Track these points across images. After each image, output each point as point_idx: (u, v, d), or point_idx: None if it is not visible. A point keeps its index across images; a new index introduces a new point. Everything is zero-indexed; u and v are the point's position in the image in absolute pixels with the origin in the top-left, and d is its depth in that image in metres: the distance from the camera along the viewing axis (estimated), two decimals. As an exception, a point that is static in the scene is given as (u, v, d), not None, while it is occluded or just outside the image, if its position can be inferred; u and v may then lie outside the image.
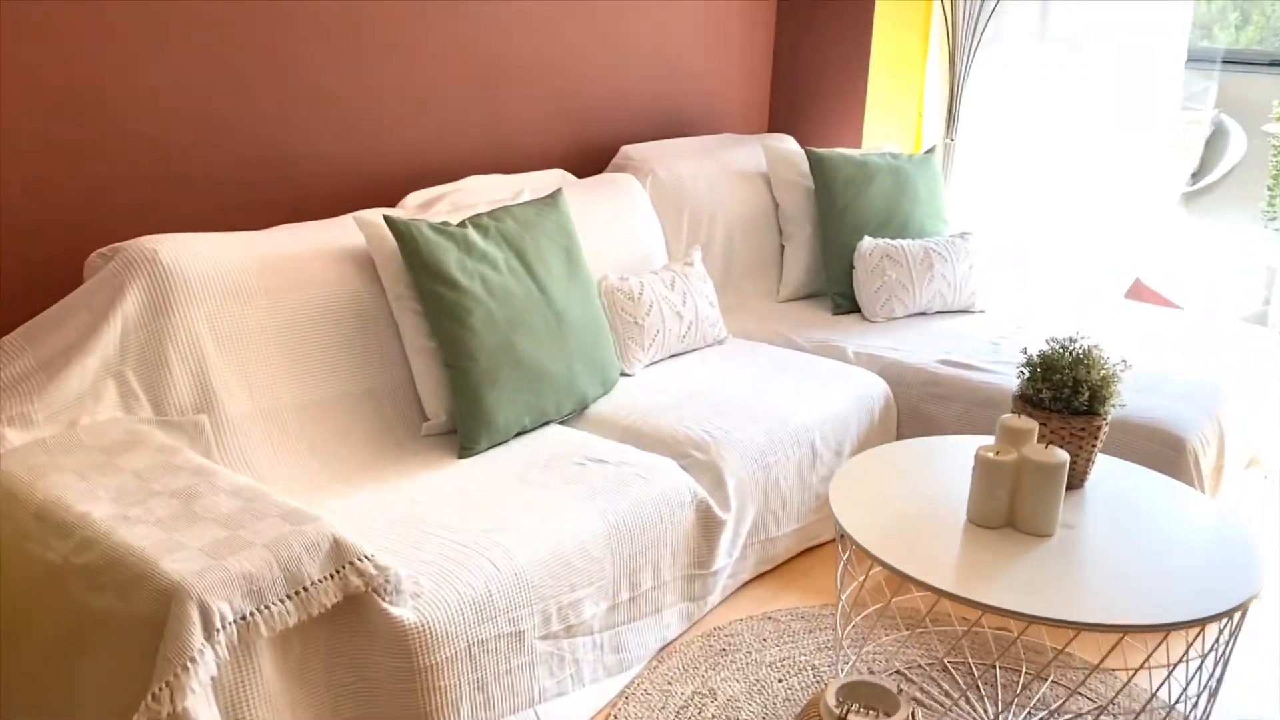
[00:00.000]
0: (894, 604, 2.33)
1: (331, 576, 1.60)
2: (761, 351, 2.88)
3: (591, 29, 3.18)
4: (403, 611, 1.65)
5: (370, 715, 1.68)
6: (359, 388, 2.24)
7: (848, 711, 1.54)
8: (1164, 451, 2.41)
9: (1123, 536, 1.77)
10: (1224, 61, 4.68)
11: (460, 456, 2.20)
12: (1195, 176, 4.61)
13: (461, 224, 2.29)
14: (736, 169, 3.41)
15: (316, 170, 2.55)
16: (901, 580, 1.64)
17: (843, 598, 1.91)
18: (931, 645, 2.23)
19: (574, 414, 2.45)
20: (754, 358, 2.82)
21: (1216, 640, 1.66)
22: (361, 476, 2.11)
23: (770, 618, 2.31)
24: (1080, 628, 1.50)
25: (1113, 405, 1.85)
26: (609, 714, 1.99)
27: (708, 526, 2.23)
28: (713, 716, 1.98)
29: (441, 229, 2.23)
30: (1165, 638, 1.60)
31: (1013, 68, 3.88)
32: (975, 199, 3.94)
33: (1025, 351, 1.95)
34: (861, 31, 3.74)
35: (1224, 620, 1.59)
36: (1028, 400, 1.89)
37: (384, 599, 1.64)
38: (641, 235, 2.96)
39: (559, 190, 2.54)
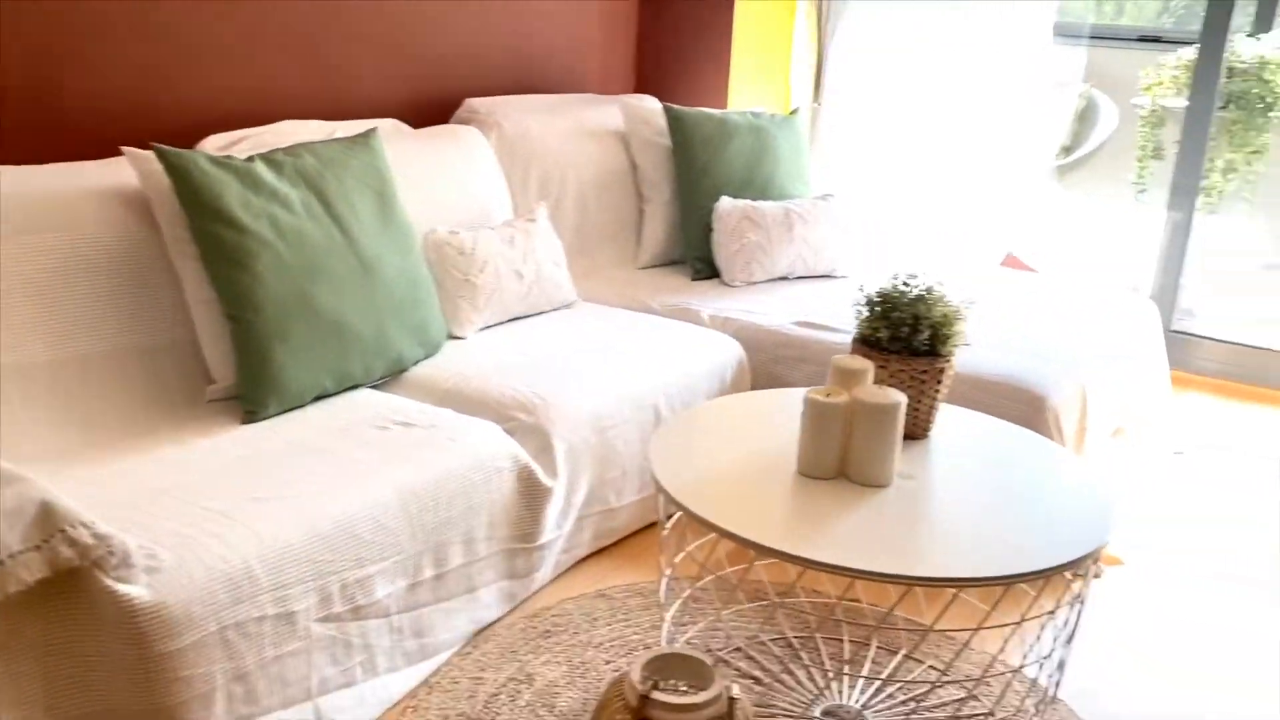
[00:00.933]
0: (737, 578, 2.14)
1: (36, 548, 1.33)
2: (611, 316, 2.67)
3: (428, -30, 2.93)
4: (133, 589, 1.39)
5: (99, 713, 1.41)
6: (129, 345, 1.96)
7: (653, 688, 1.34)
8: (1023, 410, 2.28)
9: (966, 488, 1.60)
10: (1092, 37, 4.65)
11: (244, 422, 1.94)
12: (1067, 150, 4.57)
13: (250, 158, 2.02)
14: (591, 127, 3.20)
15: (92, 109, 2.25)
16: (731, 542, 1.44)
17: (666, 572, 1.70)
18: (775, 620, 2.05)
19: (389, 377, 2.21)
20: (602, 322, 2.61)
21: (1071, 599, 1.51)
22: (125, 444, 1.83)
23: (604, 595, 2.09)
24: (910, 583, 1.32)
25: (956, 345, 1.68)
26: (407, 707, 1.75)
27: (532, 496, 2.00)
28: (527, 704, 1.75)
29: (223, 162, 1.96)
30: (1003, 593, 1.44)
31: (882, 36, 3.76)
32: (841, 166, 3.81)
33: (862, 290, 1.77)
34: (724, 10, 3.57)
35: (1074, 582, 1.43)
36: (866, 342, 1.72)
37: (108, 574, 1.38)
38: (480, 189, 2.72)
39: (372, 129, 2.29)
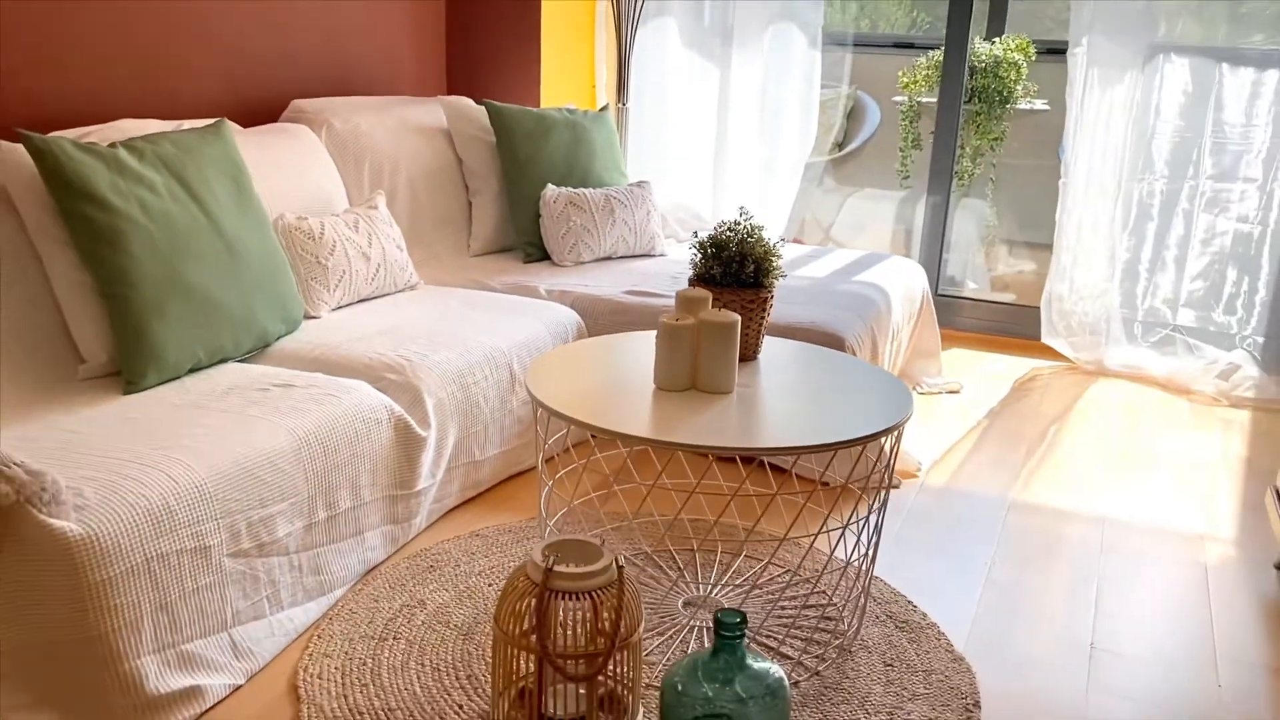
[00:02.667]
0: (599, 506, 2.39)
1: (-28, 487, 1.42)
2: (456, 294, 2.87)
3: (252, -24, 3.05)
4: (65, 524, 1.49)
5: (37, 642, 1.50)
6: (-1, 326, 2.01)
7: (554, 564, 1.57)
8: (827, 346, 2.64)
9: (795, 390, 1.92)
10: (855, 44, 5.21)
11: (126, 393, 2.03)
12: (840, 146, 5.10)
13: (112, 145, 2.12)
14: (416, 124, 3.39)
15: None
16: (598, 437, 1.69)
17: (548, 483, 1.93)
18: (635, 540, 2.31)
19: (255, 352, 2.33)
20: (448, 299, 2.81)
21: (872, 503, 1.84)
22: (10, 418, 1.88)
23: (478, 535, 2.30)
24: (758, 453, 1.62)
25: (776, 277, 2.00)
26: (313, 634, 1.90)
27: (408, 445, 2.18)
28: (423, 623, 1.94)
29: (88, 148, 2.05)
30: (838, 497, 1.75)
31: (677, 40, 4.12)
32: (648, 164, 4.14)
33: (696, 235, 2.07)
34: (530, 3, 3.83)
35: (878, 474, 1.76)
36: (702, 279, 2.02)
37: (41, 510, 1.48)
38: (319, 180, 2.86)
39: (221, 120, 2.42)
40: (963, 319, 4.15)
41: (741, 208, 2.10)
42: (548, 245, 3.26)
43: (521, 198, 3.31)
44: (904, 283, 3.33)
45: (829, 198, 5.12)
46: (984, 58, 4.41)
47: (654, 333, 2.27)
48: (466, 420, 2.38)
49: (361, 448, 2.05)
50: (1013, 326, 4.04)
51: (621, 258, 3.35)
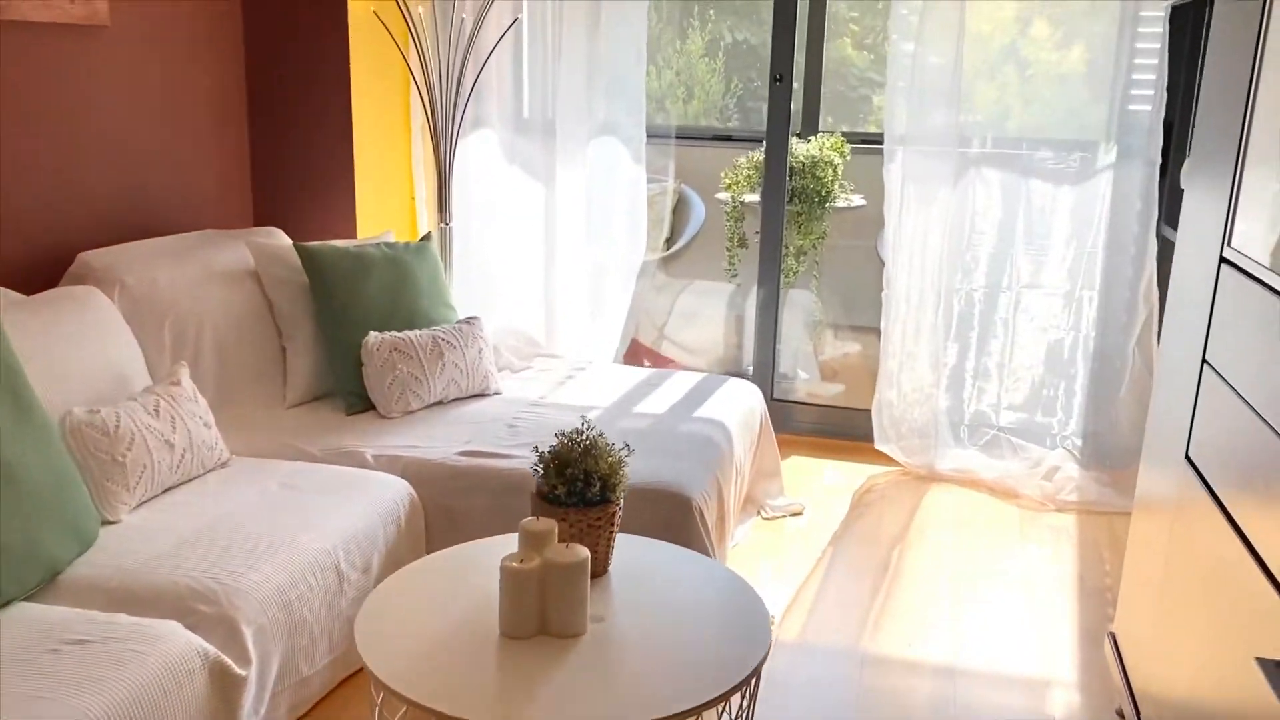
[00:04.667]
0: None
1: None
2: (270, 470, 2.64)
3: (35, 119, 2.76)
4: None
5: None
6: None
7: None
8: (673, 514, 2.57)
9: (647, 621, 1.82)
10: (677, 137, 5.24)
11: (-120, 675, 1.74)
12: (669, 242, 5.10)
13: None
14: (221, 269, 3.14)
15: None
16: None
17: (385, 741, 1.76)
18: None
19: (44, 584, 2.06)
20: (262, 479, 2.58)
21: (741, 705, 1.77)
22: None
23: (311, 770, 2.09)
24: (619, 731, 1.51)
25: (623, 491, 1.91)
26: None
27: (226, 689, 1.96)
28: None
29: None
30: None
31: (499, 154, 4.01)
32: (475, 288, 4.00)
33: (537, 450, 1.96)
34: (340, 120, 3.65)
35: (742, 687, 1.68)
36: (545, 497, 1.90)
37: None
38: (113, 356, 2.59)
39: (-8, 322, 2.14)
40: (799, 423, 4.18)
41: (584, 417, 2.00)
42: (372, 396, 3.07)
43: (341, 345, 3.11)
44: (742, 410, 3.30)
45: (661, 295, 5.10)
46: (802, 158, 4.49)
47: (503, 540, 2.13)
48: (291, 640, 2.17)
49: (172, 708, 1.82)
50: (846, 428, 4.10)
51: (455, 400, 3.19)
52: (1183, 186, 3.56)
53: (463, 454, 2.80)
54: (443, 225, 3.82)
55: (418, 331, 3.16)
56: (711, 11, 5.77)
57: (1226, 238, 1.84)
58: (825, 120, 5.40)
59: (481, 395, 3.25)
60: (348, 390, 3.10)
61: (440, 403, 3.17)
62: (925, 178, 3.65)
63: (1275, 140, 1.67)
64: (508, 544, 1.96)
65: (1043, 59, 3.60)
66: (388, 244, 3.32)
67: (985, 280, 3.74)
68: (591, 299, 4.08)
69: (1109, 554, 3.22)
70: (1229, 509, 1.67)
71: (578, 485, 1.86)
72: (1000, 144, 3.65)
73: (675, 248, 5.06)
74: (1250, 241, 1.72)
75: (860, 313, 5.27)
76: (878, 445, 3.85)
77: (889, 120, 3.66)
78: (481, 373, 3.24)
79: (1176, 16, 3.39)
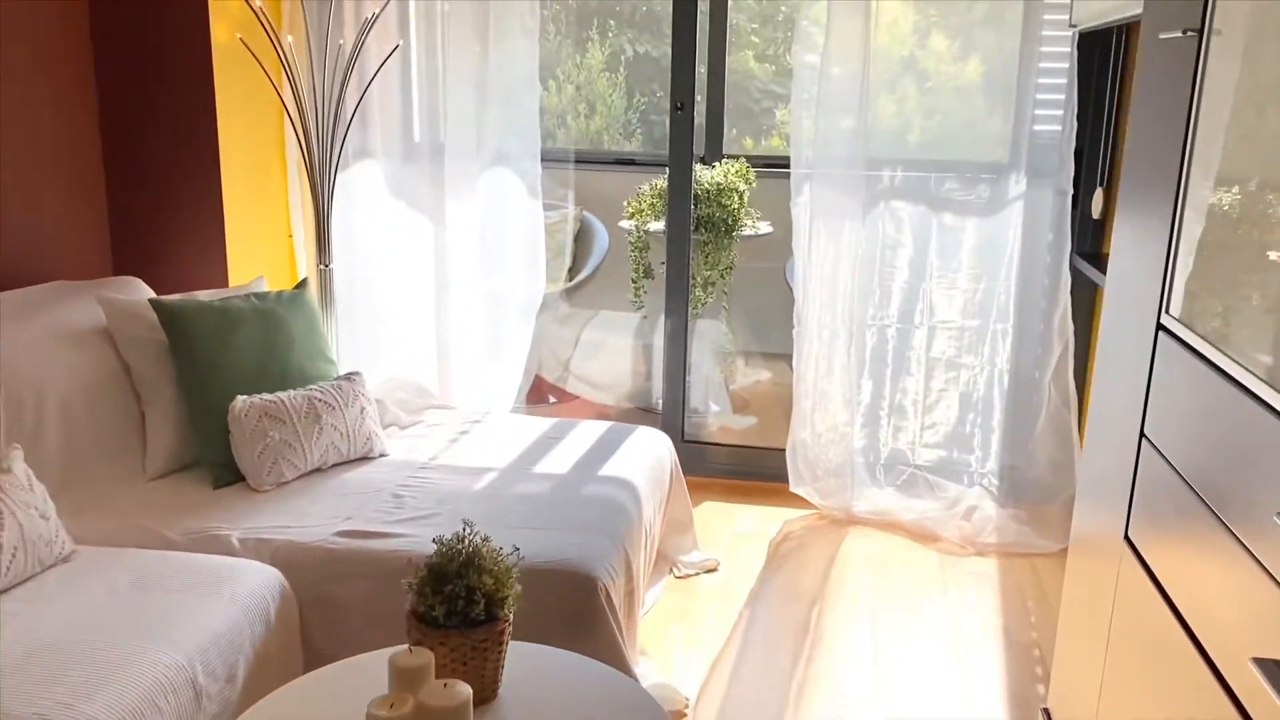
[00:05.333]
0: None
1: None
2: (121, 563, 2.33)
3: None
4: None
5: None
6: None
7: None
8: (577, 597, 2.34)
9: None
10: (578, 161, 5.02)
11: None
12: (571, 273, 4.88)
13: None
14: (70, 330, 2.82)
15: None
16: None
17: None
18: None
19: None
20: (111, 574, 2.28)
21: None
22: None
23: None
24: None
25: (513, 605, 1.68)
26: None
27: None
28: None
29: None
30: None
31: (383, 183, 3.74)
32: (360, 335, 3.72)
33: (412, 563, 1.71)
34: (206, 156, 3.34)
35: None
36: (422, 618, 1.66)
37: None
38: (-72, 444, 2.26)
39: None
40: (712, 464, 3.99)
41: (465, 520, 1.76)
42: (242, 466, 2.78)
43: (206, 410, 2.81)
44: (652, 463, 3.09)
45: (565, 328, 4.87)
46: (707, 185, 4.31)
47: (382, 655, 1.88)
48: (137, 778, 1.88)
49: None
50: (761, 469, 3.92)
51: (335, 466, 2.91)
52: (1094, 216, 3.50)
53: (341, 534, 2.52)
54: (322, 267, 3.53)
55: (292, 392, 2.88)
56: (612, 23, 5.59)
57: (1164, 303, 1.69)
58: (730, 133, 5.26)
59: (365, 459, 2.98)
60: (214, 461, 2.80)
61: (319, 469, 2.89)
62: (834, 211, 3.50)
63: (1217, 190, 1.52)
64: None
65: (942, 70, 3.49)
66: (257, 295, 3.03)
67: (898, 315, 3.60)
68: (489, 340, 3.83)
69: (1033, 603, 3.10)
70: (1171, 597, 1.53)
71: (459, 604, 1.62)
72: (907, 166, 3.52)
73: (578, 278, 4.84)
74: (1197, 315, 1.57)
75: (770, 339, 5.13)
76: (793, 488, 3.68)
77: (795, 134, 3.49)
78: (364, 434, 2.96)
79: (1084, 41, 3.30)
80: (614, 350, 4.90)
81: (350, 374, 3.05)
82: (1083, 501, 2.16)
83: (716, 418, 4.58)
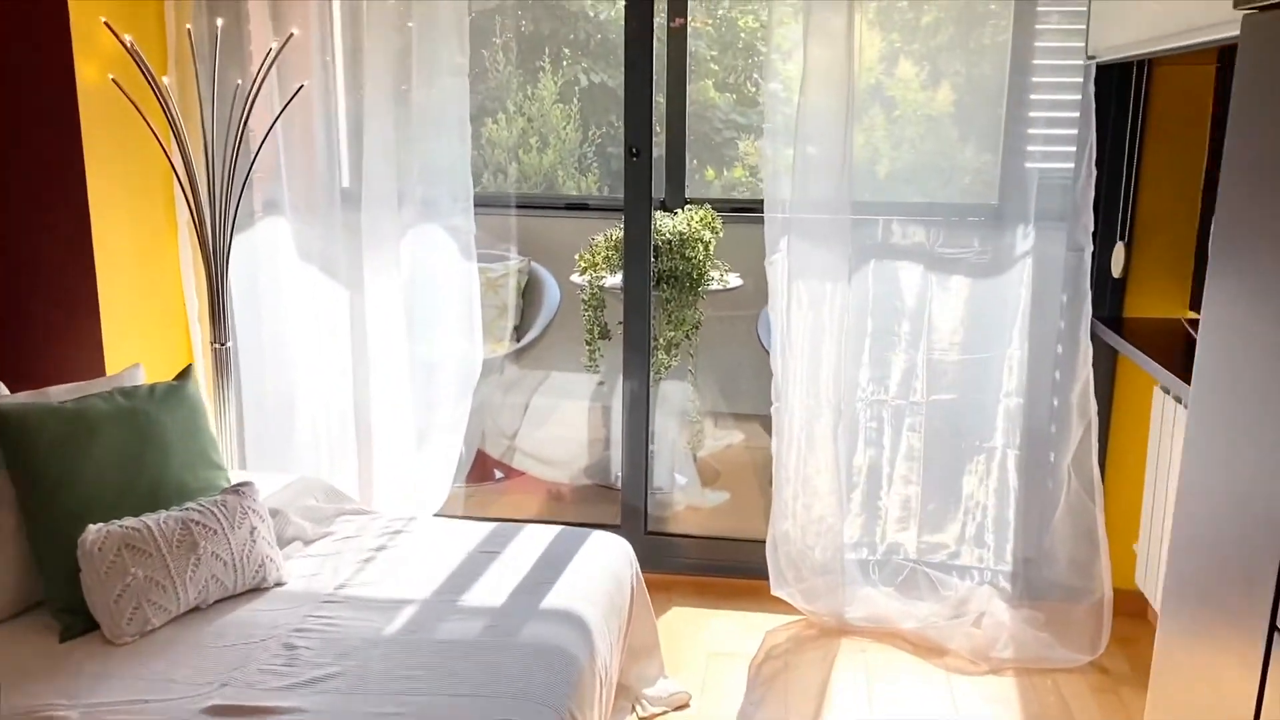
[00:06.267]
0: None
1: None
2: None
3: None
4: None
5: None
6: None
7: None
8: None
9: None
10: (521, 206, 4.54)
11: None
12: (518, 332, 4.36)
13: None
14: (-118, 441, 2.26)
15: None
16: None
17: None
18: None
19: None
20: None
21: None
22: None
23: None
24: None
25: None
26: None
27: None
28: None
29: None
30: None
31: (294, 242, 3.21)
32: (274, 416, 3.19)
33: None
34: (74, 222, 2.81)
35: None
36: None
37: None
38: None
39: None
40: (681, 560, 3.47)
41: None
42: (95, 612, 2.22)
43: (51, 541, 2.27)
44: (608, 582, 2.56)
45: (512, 395, 4.35)
46: (668, 234, 3.82)
47: None
48: None
49: None
50: (737, 564, 3.40)
51: (217, 604, 2.37)
52: (1114, 274, 3.05)
53: (212, 711, 1.98)
54: (218, 346, 3.00)
55: (163, 514, 2.33)
56: (565, 51, 5.13)
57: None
58: (691, 163, 4.80)
59: (257, 590, 2.43)
60: (61, 606, 2.26)
61: (198, 609, 2.34)
62: (816, 270, 3.02)
63: None
64: None
65: (910, 99, 3.05)
66: (124, 391, 2.49)
67: (893, 389, 3.12)
68: (418, 424, 3.30)
69: (1065, 740, 2.61)
70: None
71: None
72: (895, 210, 3.06)
73: (526, 339, 4.32)
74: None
75: (740, 398, 4.64)
76: (774, 590, 3.17)
77: (768, 173, 3.02)
78: (255, 561, 2.42)
79: (1101, 76, 2.85)
80: (567, 419, 4.39)
81: (239, 485, 2.50)
82: (1177, 599, 1.68)
83: (684, 493, 4.07)
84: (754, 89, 4.99)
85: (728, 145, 5.26)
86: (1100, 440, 2.97)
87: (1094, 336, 2.92)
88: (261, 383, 3.21)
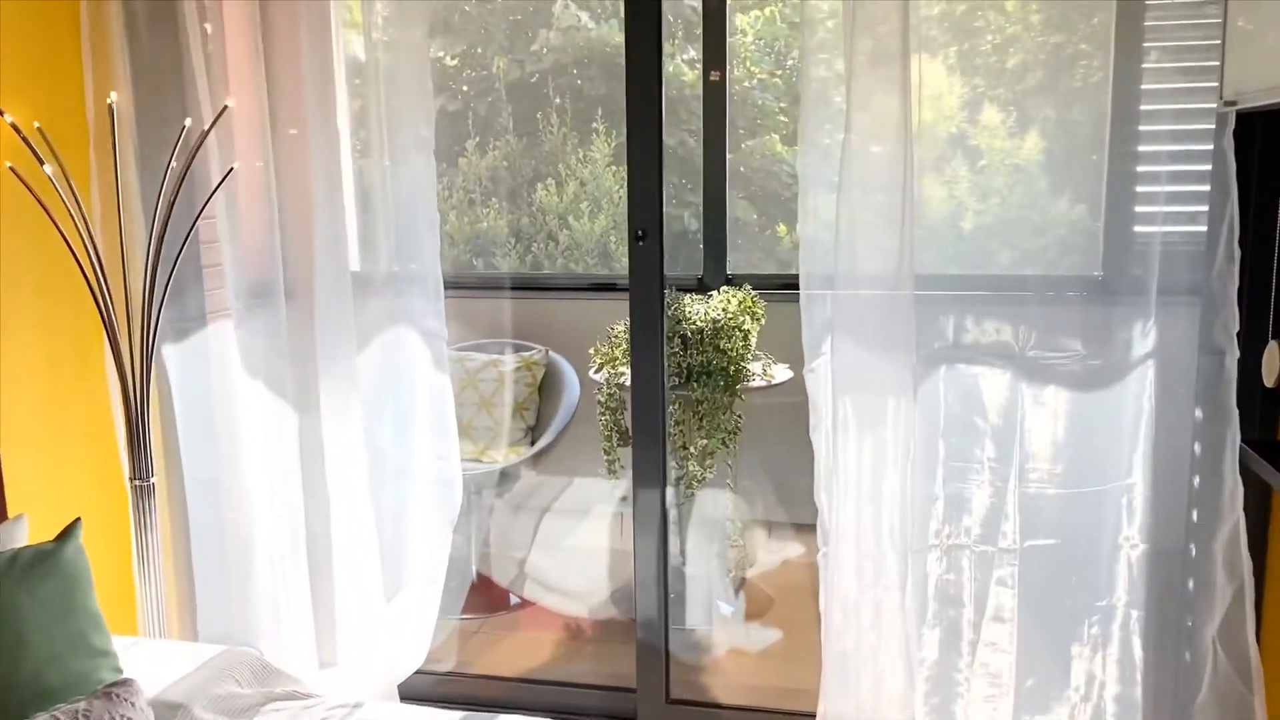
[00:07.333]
0: None
1: None
2: None
3: None
4: None
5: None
6: None
7: None
8: None
9: None
10: (538, 288, 4.00)
11: None
12: (532, 434, 3.78)
13: None
14: None
15: None
16: None
17: None
18: None
19: None
20: None
21: None
22: None
23: None
24: None
25: None
26: None
27: None
28: None
29: None
30: None
31: (237, 352, 2.68)
32: (213, 569, 2.64)
33: None
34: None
35: None
36: None
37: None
38: None
39: None
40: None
41: None
42: None
43: None
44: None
45: (520, 516, 3.76)
46: (699, 323, 3.22)
47: None
48: None
49: None
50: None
51: None
52: (1266, 383, 2.34)
53: None
54: (138, 484, 2.46)
55: (3, 736, 1.78)
56: (621, 111, 4.66)
57: None
58: (759, 233, 4.25)
59: (132, 830, 1.86)
60: None
61: None
62: (870, 383, 2.37)
63: None
64: None
65: (997, 147, 2.44)
66: (-23, 563, 1.96)
67: (976, 530, 2.44)
68: (386, 569, 2.72)
69: None
70: None
71: None
72: (970, 284, 2.42)
73: (544, 441, 3.73)
74: None
75: (795, 503, 3.97)
76: (828, 785, 2.49)
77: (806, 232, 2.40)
78: (130, 791, 1.85)
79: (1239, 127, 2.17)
80: (587, 536, 3.78)
81: (112, 686, 1.93)
82: None
83: (727, 630, 3.42)
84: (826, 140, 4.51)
85: (796, 200, 4.78)
86: (1255, 605, 2.25)
87: (1244, 468, 2.21)
88: (219, 526, 2.67)
